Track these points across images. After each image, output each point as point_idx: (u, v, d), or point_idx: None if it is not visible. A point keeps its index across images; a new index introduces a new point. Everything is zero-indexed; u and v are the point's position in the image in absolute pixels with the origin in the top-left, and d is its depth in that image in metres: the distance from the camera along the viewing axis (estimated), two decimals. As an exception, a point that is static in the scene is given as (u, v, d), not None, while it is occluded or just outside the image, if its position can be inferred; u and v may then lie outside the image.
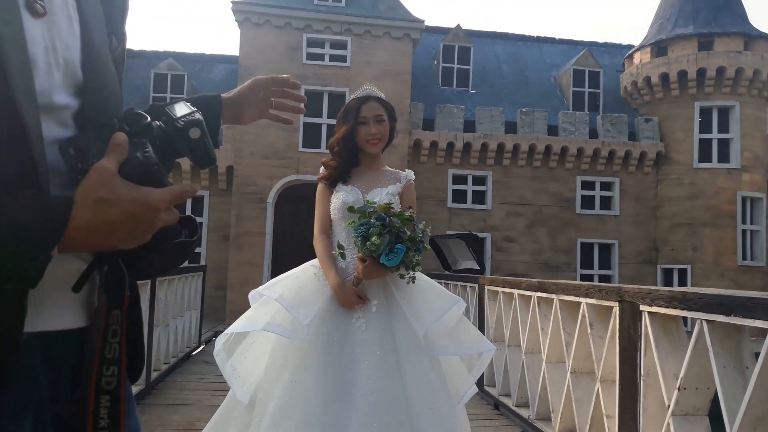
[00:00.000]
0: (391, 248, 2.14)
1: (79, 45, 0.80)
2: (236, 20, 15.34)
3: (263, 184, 14.87)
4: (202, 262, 14.23)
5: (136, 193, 0.70)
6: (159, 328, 5.73)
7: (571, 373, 3.72)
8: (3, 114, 0.67)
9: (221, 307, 14.22)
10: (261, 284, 2.44)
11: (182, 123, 0.81)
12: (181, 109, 0.84)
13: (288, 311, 2.14)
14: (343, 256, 2.32)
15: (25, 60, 0.70)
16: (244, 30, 15.33)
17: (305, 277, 2.33)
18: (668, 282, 17.05)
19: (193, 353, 7.57)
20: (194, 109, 0.84)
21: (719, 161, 17.19)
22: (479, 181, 17.13)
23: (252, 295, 2.38)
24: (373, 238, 2.12)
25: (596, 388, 3.35)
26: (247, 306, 2.35)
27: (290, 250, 13.86)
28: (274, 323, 2.16)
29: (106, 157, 0.72)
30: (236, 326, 2.26)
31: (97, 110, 0.80)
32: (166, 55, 18.12)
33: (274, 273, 14.24)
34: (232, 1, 15.23)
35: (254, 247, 14.57)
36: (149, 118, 0.78)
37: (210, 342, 8.99)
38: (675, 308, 2.60)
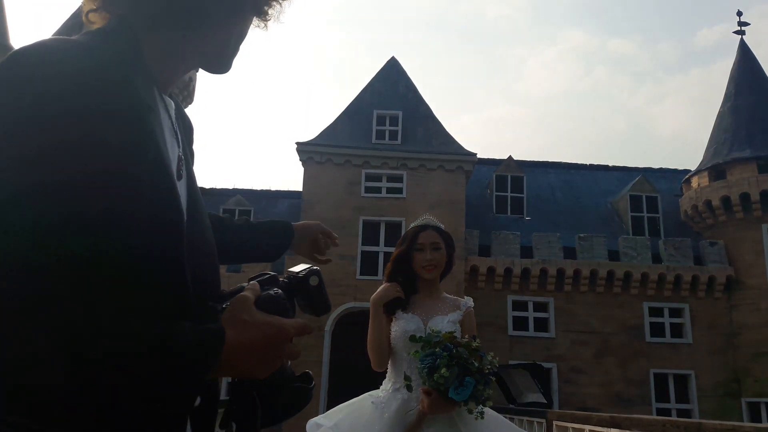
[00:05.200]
0: (460, 381, 2.00)
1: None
2: (300, 159, 16.47)
3: (321, 313, 15.00)
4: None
5: (269, 318, 0.79)
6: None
7: None
8: (166, 256, 0.79)
9: (276, 441, 13.82)
10: (318, 413, 2.43)
11: (303, 273, 0.95)
12: (300, 266, 0.99)
13: None
14: (409, 388, 2.23)
15: (180, 217, 0.84)
16: (308, 168, 16.38)
17: (362, 407, 2.32)
18: (756, 418, 15.49)
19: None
20: (310, 265, 1.00)
21: (797, 285, 16.26)
22: (541, 307, 16.70)
23: (310, 425, 2.37)
24: (442, 371, 2.00)
25: None
26: (303, 433, 2.34)
27: (347, 378, 13.59)
28: None
29: (244, 291, 0.83)
30: None
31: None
32: (234, 192, 19.63)
33: (330, 402, 13.91)
34: (297, 143, 16.47)
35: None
36: (275, 274, 0.94)
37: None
38: (764, 447, 2.40)
